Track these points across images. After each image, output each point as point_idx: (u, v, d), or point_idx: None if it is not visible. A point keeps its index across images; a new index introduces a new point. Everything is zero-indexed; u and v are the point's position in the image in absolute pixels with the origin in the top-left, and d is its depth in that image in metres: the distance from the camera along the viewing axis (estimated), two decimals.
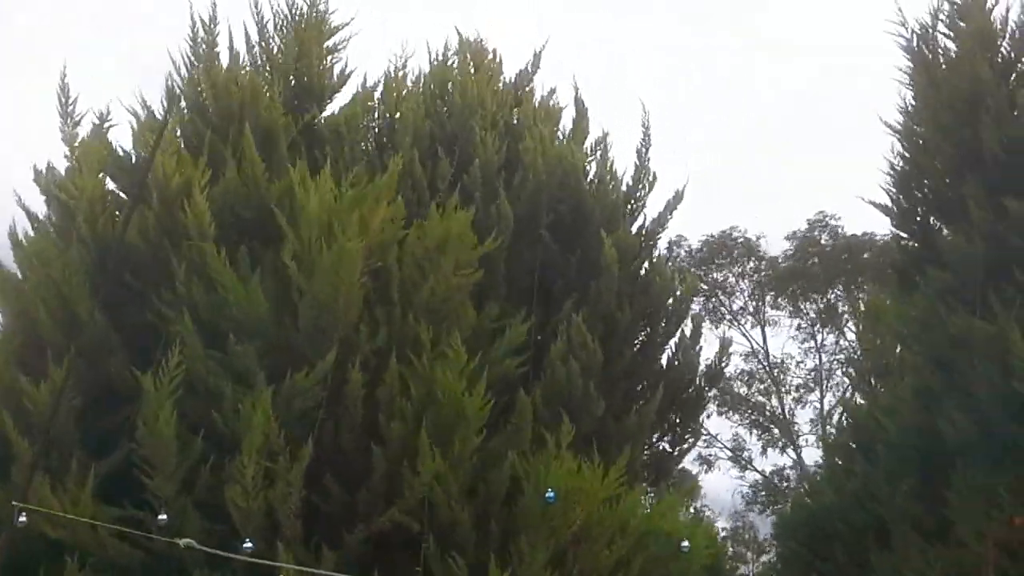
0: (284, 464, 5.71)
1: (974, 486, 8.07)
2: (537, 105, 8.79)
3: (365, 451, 6.00)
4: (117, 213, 6.62)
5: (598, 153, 8.73)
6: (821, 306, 26.00)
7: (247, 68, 7.40)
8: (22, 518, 5.20)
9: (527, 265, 7.70)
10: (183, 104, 7.18)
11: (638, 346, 8.09)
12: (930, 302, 8.40)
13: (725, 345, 9.12)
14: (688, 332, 8.57)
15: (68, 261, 6.40)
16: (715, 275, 26.04)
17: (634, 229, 8.59)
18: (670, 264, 8.89)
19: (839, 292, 25.49)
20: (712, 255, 25.88)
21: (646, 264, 8.48)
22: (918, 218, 8.87)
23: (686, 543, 6.29)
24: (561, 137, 8.67)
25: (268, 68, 7.63)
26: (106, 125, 7.00)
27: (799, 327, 26.71)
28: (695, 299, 10.18)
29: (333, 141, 7.33)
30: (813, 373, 27.12)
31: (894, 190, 8.82)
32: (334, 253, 5.88)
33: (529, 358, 7.04)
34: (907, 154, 8.77)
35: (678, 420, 8.41)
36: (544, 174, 7.87)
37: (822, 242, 25.03)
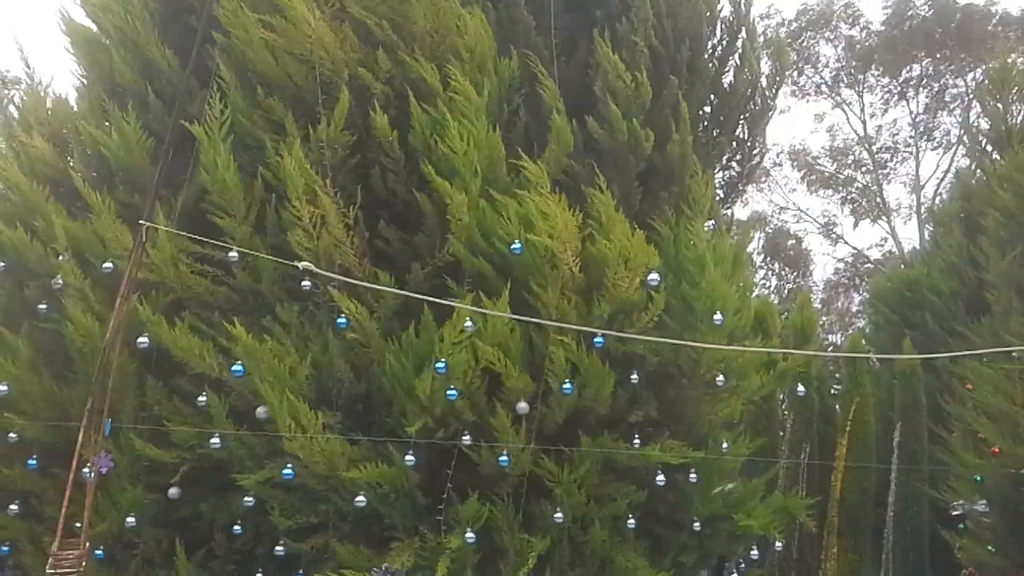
0: (336, 207, 5.74)
1: None
2: None
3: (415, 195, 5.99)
4: None
5: None
6: (926, 72, 24.85)
7: None
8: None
9: None
10: None
11: (685, 66, 7.10)
12: None
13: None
14: (743, 44, 7.64)
15: (132, 7, 6.32)
16: (813, 46, 25.06)
17: None
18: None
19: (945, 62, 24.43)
20: (809, 25, 24.79)
21: None
22: None
23: (654, 276, 5.79)
24: None
25: None
26: None
27: (896, 94, 25.78)
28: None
29: None
30: (908, 144, 26.44)
31: None
32: None
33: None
34: None
35: (745, 135, 7.71)
36: None
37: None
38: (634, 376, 5.89)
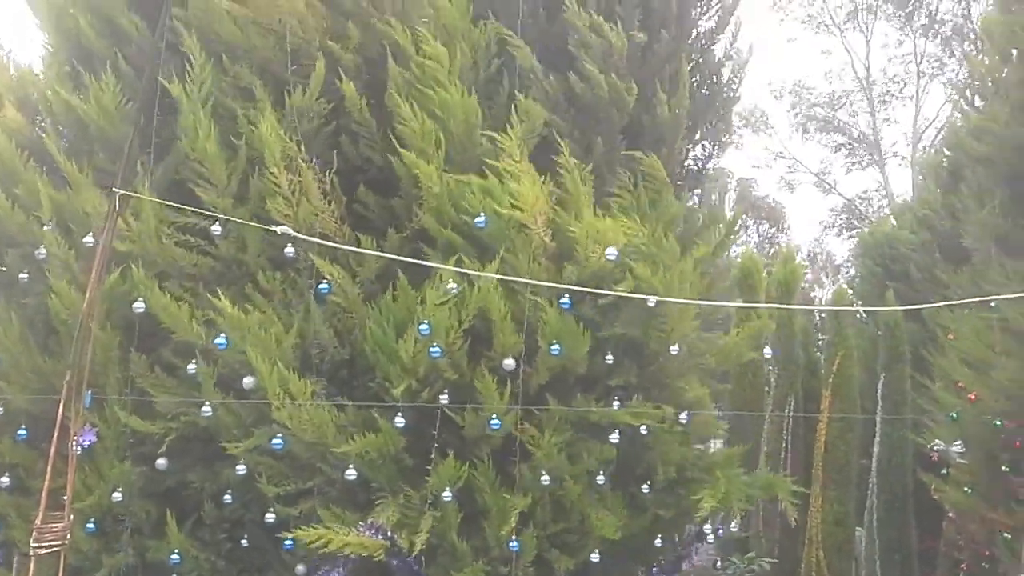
0: (313, 174, 5.72)
1: None
2: None
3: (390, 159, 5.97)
4: None
5: None
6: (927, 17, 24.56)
7: None
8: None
9: None
10: None
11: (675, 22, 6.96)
12: None
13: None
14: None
15: None
16: None
17: None
18: None
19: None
20: None
21: None
22: None
23: (612, 251, 5.70)
24: None
25: None
26: None
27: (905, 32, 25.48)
28: None
29: None
30: (906, 86, 26.17)
31: None
32: None
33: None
34: None
35: (719, 112, 7.60)
36: None
37: None
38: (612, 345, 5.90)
